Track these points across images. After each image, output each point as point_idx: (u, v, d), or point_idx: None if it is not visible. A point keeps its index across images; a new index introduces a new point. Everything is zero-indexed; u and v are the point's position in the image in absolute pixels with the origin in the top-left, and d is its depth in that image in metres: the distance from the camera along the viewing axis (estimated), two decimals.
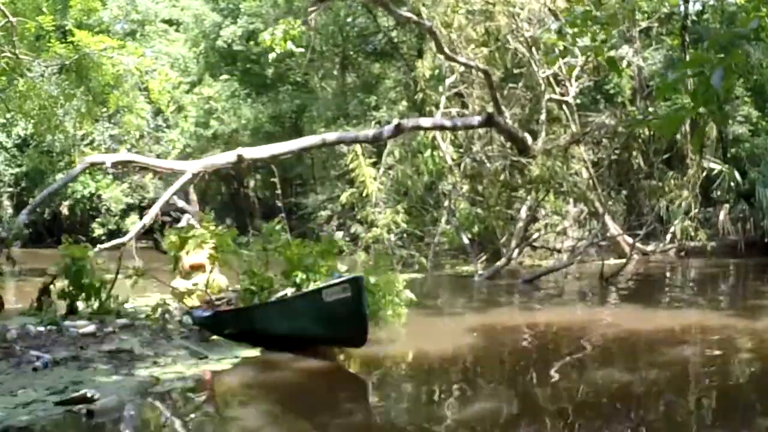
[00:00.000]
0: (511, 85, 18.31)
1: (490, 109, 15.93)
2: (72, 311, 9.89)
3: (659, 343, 8.70)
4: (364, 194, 17.82)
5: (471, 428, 5.67)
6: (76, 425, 5.47)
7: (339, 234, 13.16)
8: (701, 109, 3.89)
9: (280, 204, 14.04)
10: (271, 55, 13.96)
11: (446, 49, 15.19)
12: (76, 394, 5.82)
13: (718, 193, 19.03)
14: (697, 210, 18.90)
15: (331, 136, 16.75)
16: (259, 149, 14.04)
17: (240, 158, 12.88)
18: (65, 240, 10.03)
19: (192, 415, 6.07)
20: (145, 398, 6.32)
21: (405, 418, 6.02)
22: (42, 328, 8.77)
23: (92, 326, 8.87)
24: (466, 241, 16.52)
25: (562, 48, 5.04)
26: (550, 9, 16.25)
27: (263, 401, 6.56)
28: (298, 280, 8.42)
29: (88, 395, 5.76)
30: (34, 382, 6.51)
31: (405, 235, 17.28)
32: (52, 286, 10.43)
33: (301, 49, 14.35)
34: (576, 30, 4.60)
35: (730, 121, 19.00)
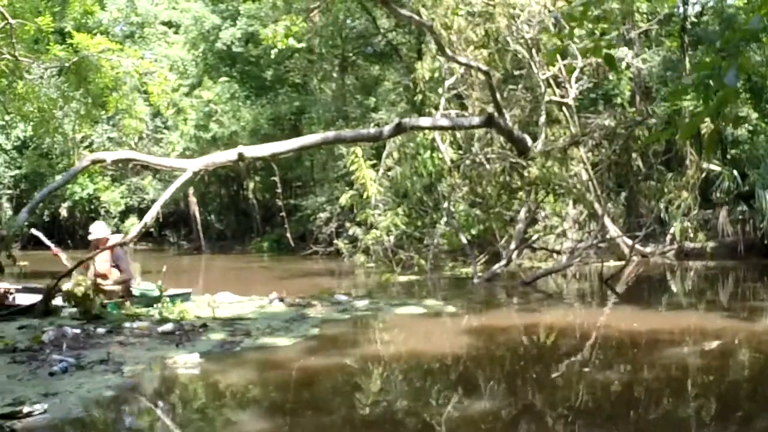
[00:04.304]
0: (510, 86, 18.32)
1: (490, 110, 15.94)
2: (86, 313, 9.91)
3: (659, 344, 8.70)
4: (363, 196, 17.83)
5: (470, 428, 5.67)
6: None
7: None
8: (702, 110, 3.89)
9: (280, 204, 14.09)
10: (273, 51, 13.97)
11: (447, 50, 15.19)
12: (16, 409, 5.61)
13: (718, 194, 19.04)
14: (696, 212, 18.91)
15: (331, 134, 16.81)
16: (260, 147, 14.03)
17: (241, 156, 12.87)
18: None
19: (181, 416, 6.05)
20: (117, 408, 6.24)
21: (404, 417, 6.02)
22: (78, 330, 8.76)
23: (170, 325, 9.13)
24: (465, 242, 16.53)
25: (560, 43, 5.05)
26: (549, 11, 16.26)
27: (261, 400, 6.54)
28: None
29: (25, 410, 5.55)
30: (29, 388, 6.44)
31: (404, 236, 17.27)
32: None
33: (303, 45, 14.37)
34: (573, 24, 4.60)
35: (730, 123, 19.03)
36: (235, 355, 8.00)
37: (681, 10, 21.83)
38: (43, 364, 7.29)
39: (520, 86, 18.11)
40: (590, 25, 4.75)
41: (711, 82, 3.69)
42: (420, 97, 19.24)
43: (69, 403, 6.00)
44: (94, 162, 13.78)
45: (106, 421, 5.97)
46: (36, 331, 8.76)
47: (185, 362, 7.41)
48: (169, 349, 8.01)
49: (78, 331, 8.73)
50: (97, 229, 10.89)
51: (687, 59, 20.72)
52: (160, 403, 6.56)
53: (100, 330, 8.90)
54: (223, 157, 13.56)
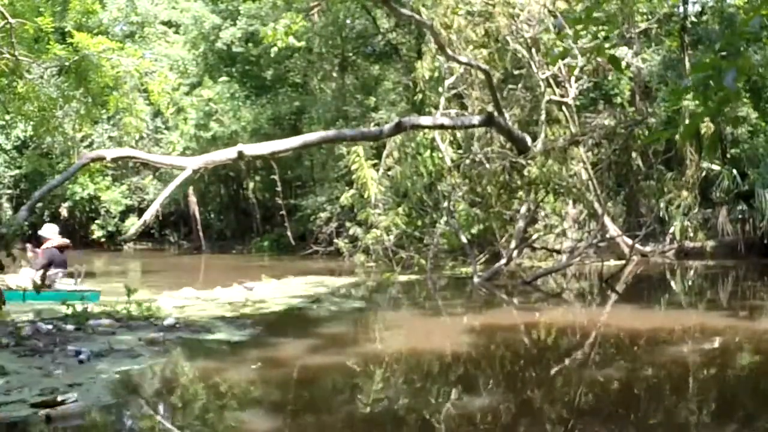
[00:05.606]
0: (510, 86, 18.32)
1: (489, 109, 15.94)
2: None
3: (659, 343, 8.71)
4: (364, 195, 17.82)
5: (470, 427, 5.67)
6: (26, 429, 5.37)
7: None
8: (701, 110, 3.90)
9: (280, 204, 14.13)
10: (273, 51, 13.99)
11: (447, 49, 15.19)
12: (49, 397, 5.73)
13: (718, 194, 19.04)
14: (696, 211, 18.92)
15: (331, 132, 16.83)
16: (260, 146, 14.05)
17: (241, 154, 12.90)
18: None
19: (183, 414, 6.06)
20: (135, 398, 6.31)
21: (404, 416, 6.03)
22: (50, 326, 8.83)
23: (171, 319, 9.47)
24: (465, 242, 16.53)
25: (561, 49, 5.06)
26: (549, 10, 16.26)
27: (263, 399, 6.55)
28: None
29: (59, 399, 5.66)
30: (66, 378, 6.53)
31: (404, 236, 17.27)
32: None
33: (302, 44, 14.42)
34: (578, 27, 4.59)
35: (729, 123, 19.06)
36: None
37: (681, 9, 21.83)
38: (57, 356, 7.34)
39: (519, 85, 18.11)
40: (593, 27, 4.75)
41: (711, 82, 3.70)
42: (420, 96, 19.22)
43: (96, 391, 6.14)
44: (93, 160, 13.78)
45: (133, 406, 6.17)
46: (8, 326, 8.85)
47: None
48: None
49: (50, 327, 8.82)
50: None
51: (687, 59, 20.72)
52: (179, 385, 6.89)
53: (69, 327, 8.96)
54: (223, 155, 13.58)
